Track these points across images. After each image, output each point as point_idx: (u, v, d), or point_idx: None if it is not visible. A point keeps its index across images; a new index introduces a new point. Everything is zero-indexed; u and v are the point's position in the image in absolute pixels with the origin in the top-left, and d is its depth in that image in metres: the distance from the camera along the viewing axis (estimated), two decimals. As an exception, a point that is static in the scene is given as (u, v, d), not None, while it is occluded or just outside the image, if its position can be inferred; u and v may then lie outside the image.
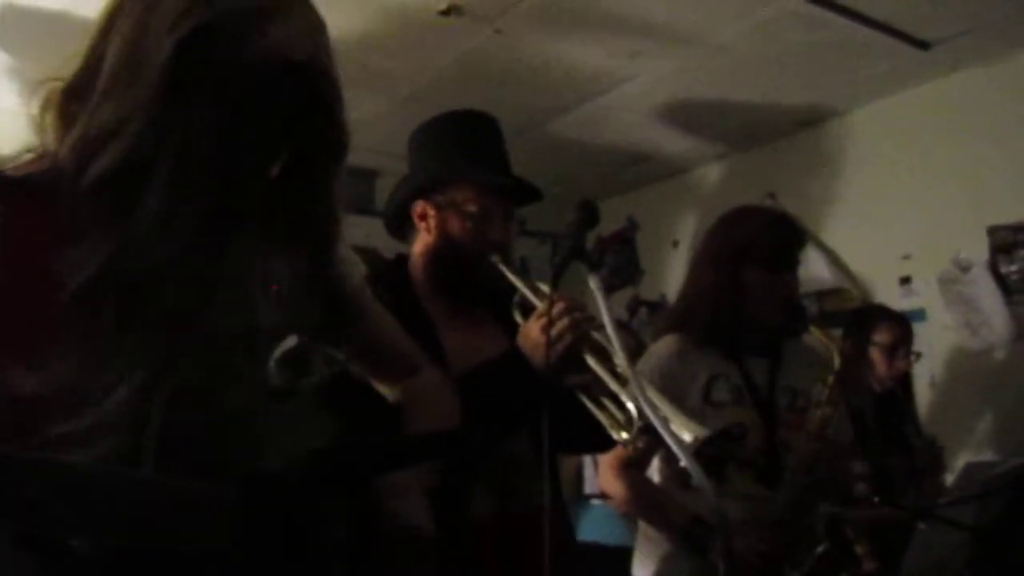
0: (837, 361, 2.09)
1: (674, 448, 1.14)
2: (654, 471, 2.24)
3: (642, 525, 2.24)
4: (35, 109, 0.97)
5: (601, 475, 2.19)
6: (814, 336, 2.16)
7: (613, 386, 1.48)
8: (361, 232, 2.93)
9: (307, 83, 0.97)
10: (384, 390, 1.37)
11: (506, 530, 1.63)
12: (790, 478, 2.02)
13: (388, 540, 1.09)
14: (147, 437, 0.87)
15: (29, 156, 0.98)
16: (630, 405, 1.45)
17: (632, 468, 2.14)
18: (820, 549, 2.02)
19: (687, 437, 1.33)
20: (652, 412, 1.23)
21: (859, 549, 2.11)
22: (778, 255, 2.16)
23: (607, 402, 1.53)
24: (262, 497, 0.87)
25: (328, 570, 0.94)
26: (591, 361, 1.51)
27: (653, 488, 2.20)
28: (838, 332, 3.53)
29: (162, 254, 0.91)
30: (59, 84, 0.97)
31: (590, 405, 1.54)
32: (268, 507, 0.87)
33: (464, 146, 1.77)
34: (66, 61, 0.98)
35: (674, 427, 1.31)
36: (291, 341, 1.16)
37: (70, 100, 0.96)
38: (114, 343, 0.89)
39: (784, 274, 2.15)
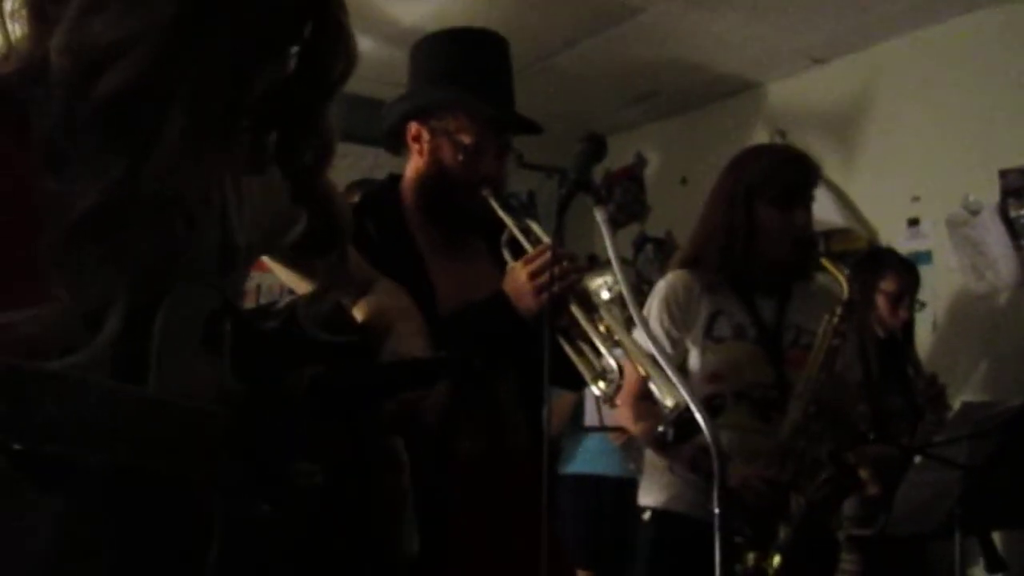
0: (846, 292, 2.11)
1: (679, 386, 1.17)
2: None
3: (648, 456, 2.28)
4: None
5: (619, 410, 2.22)
6: (826, 270, 2.18)
7: (596, 339, 1.48)
8: (366, 163, 2.92)
9: (325, 12, 0.94)
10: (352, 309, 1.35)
11: (495, 467, 1.64)
12: (795, 407, 2.05)
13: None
14: (145, 374, 0.83)
15: None
16: (611, 362, 1.46)
17: (645, 401, 2.17)
18: (824, 475, 2.04)
19: (669, 403, 1.32)
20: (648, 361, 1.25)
21: (863, 474, 2.14)
22: (790, 192, 2.17)
23: (587, 350, 1.53)
24: (258, 420, 0.87)
25: (315, 494, 0.93)
26: (576, 312, 1.51)
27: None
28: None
29: (179, 187, 0.86)
30: None
31: (570, 351, 1.54)
32: (265, 430, 0.87)
33: (466, 71, 1.72)
34: None
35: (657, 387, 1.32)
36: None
37: None
38: (104, 274, 0.83)
39: (796, 211, 2.17)
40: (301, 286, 1.25)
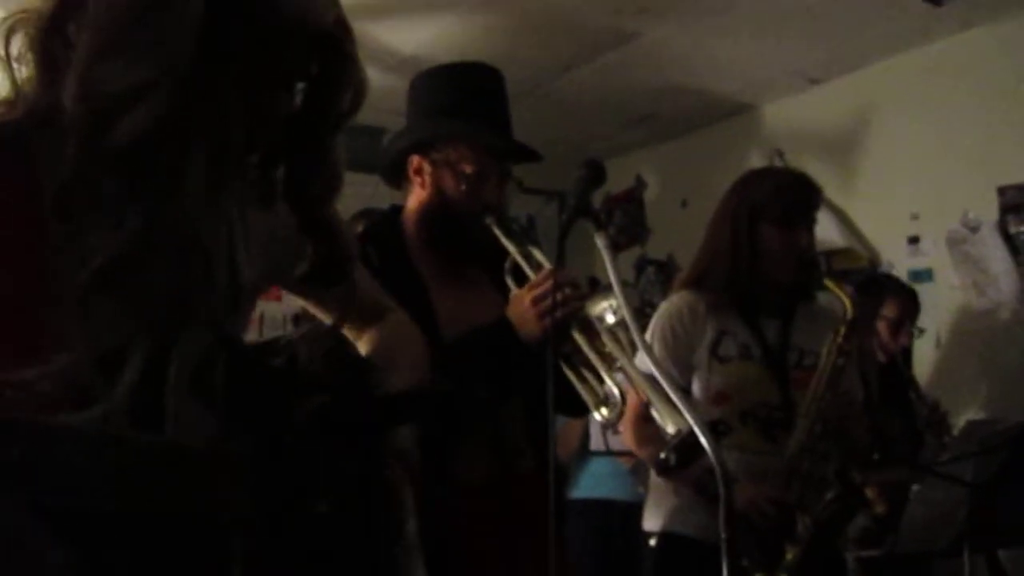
0: (850, 311, 2.11)
1: (683, 409, 1.17)
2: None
3: (653, 480, 2.27)
4: None
5: (624, 433, 2.22)
6: (829, 291, 2.17)
7: (599, 366, 1.49)
8: (367, 190, 2.92)
9: (335, 49, 0.94)
10: (354, 338, 1.34)
11: (501, 492, 1.64)
12: (800, 426, 2.05)
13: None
14: (161, 420, 0.83)
15: None
16: (613, 389, 1.47)
17: (648, 423, 2.17)
18: (831, 495, 2.03)
19: (670, 429, 1.33)
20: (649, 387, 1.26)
21: (869, 493, 2.13)
22: (793, 213, 2.19)
23: (589, 376, 1.54)
24: (270, 458, 0.86)
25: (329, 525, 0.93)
26: (579, 338, 1.52)
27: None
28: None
29: (201, 232, 0.85)
30: (32, 15, 0.84)
31: (572, 378, 1.55)
32: (275, 467, 0.87)
33: (464, 103, 1.75)
34: None
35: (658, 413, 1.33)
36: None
37: (52, 36, 0.84)
38: (121, 322, 0.81)
39: (799, 232, 2.18)
40: (317, 311, 1.25)
